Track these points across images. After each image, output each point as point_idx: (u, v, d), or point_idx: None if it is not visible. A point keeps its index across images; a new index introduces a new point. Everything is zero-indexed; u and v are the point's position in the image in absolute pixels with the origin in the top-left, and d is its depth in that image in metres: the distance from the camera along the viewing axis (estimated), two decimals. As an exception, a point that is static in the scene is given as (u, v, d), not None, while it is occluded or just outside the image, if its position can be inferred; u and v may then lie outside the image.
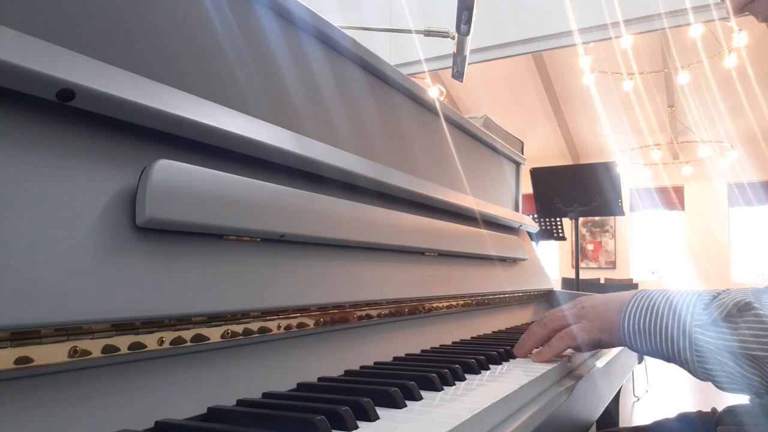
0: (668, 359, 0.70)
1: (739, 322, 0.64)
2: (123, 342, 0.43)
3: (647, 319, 0.71)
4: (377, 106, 0.92)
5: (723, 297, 0.67)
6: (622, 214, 3.57)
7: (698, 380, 0.70)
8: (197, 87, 0.57)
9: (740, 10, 0.76)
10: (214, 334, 0.51)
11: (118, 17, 0.50)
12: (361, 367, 0.67)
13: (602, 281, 7.98)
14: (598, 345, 0.77)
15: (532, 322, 0.91)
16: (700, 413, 0.86)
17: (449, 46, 1.51)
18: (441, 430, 0.42)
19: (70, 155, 0.43)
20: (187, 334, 0.48)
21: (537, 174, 3.66)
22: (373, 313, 0.75)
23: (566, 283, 6.20)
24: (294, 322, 0.61)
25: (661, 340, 0.69)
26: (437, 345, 0.87)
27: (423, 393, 0.54)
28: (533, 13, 4.09)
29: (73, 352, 0.39)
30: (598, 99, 7.91)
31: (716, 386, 0.67)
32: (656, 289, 0.75)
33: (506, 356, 0.78)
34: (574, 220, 3.64)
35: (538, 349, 0.78)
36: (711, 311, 0.66)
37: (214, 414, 0.46)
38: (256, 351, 0.56)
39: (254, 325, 0.55)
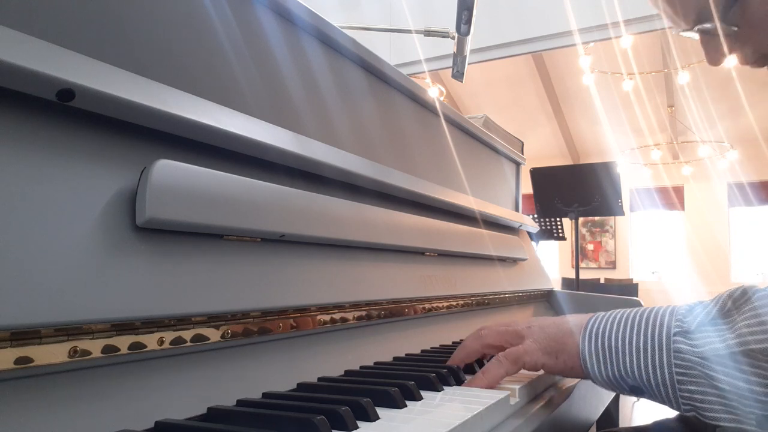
0: (637, 384, 0.58)
1: (735, 316, 0.53)
2: (123, 342, 0.43)
3: (613, 335, 0.59)
4: (377, 106, 0.92)
5: (710, 301, 0.57)
6: (622, 214, 3.57)
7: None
8: (197, 87, 0.57)
9: (718, 61, 0.72)
10: (214, 334, 0.51)
11: (118, 17, 0.50)
12: (361, 367, 0.67)
13: (602, 281, 7.99)
14: (541, 368, 0.65)
15: None
16: (699, 413, 0.86)
17: (449, 46, 1.51)
18: (441, 430, 0.42)
19: (70, 155, 0.43)
20: (187, 334, 0.48)
21: (537, 174, 3.66)
22: (373, 313, 0.75)
23: (566, 283, 6.20)
24: (294, 322, 0.61)
25: (631, 359, 0.57)
26: (437, 345, 0.87)
27: (423, 393, 0.54)
28: (533, 13, 4.09)
29: (73, 352, 0.39)
30: (598, 99, 7.90)
31: (698, 414, 0.54)
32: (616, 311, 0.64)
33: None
34: (574, 220, 3.64)
35: (468, 380, 0.63)
36: (701, 309, 0.56)
37: (214, 414, 0.46)
38: (256, 351, 0.56)
39: (254, 325, 0.55)
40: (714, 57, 0.69)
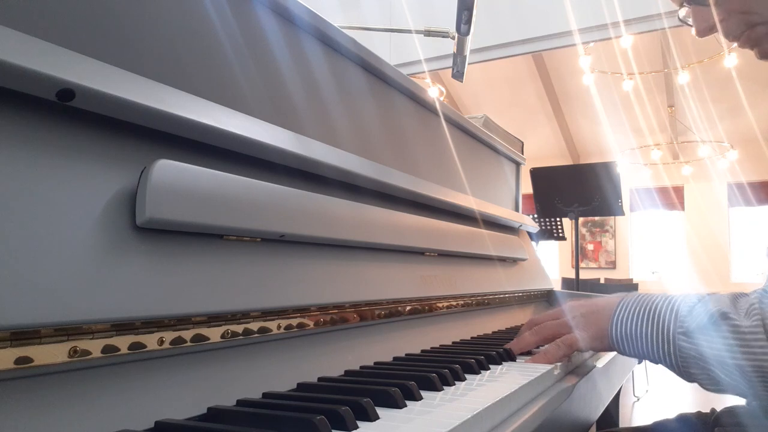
0: (656, 362, 0.72)
1: (714, 335, 0.65)
2: (123, 342, 0.43)
3: (634, 325, 0.72)
4: (377, 106, 0.92)
5: (706, 305, 0.68)
6: (622, 214, 3.57)
7: None
8: (197, 87, 0.57)
9: (707, 32, 0.74)
10: (214, 334, 0.51)
11: (118, 17, 0.50)
12: (361, 367, 0.67)
13: (602, 281, 7.98)
14: (591, 350, 0.82)
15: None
16: (699, 414, 0.86)
17: (449, 46, 1.51)
18: (441, 430, 0.42)
19: (70, 155, 0.43)
20: (187, 334, 0.48)
21: (537, 174, 3.65)
22: (373, 313, 0.75)
23: (566, 283, 6.20)
24: (294, 322, 0.61)
25: (646, 345, 0.71)
26: (437, 345, 0.87)
27: (423, 393, 0.54)
28: (533, 13, 4.09)
29: (73, 352, 0.39)
30: (598, 99, 7.90)
31: (703, 388, 0.70)
32: (642, 293, 0.76)
33: (506, 356, 0.78)
34: (574, 220, 3.64)
35: (531, 357, 0.78)
36: (695, 317, 0.68)
37: (214, 414, 0.46)
38: (256, 351, 0.56)
39: (254, 325, 0.55)
40: (700, 28, 0.73)
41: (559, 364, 0.74)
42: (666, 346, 0.69)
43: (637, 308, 0.73)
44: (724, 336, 0.65)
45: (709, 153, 8.48)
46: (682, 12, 0.77)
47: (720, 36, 0.72)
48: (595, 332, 0.76)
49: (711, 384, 0.68)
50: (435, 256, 0.98)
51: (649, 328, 0.71)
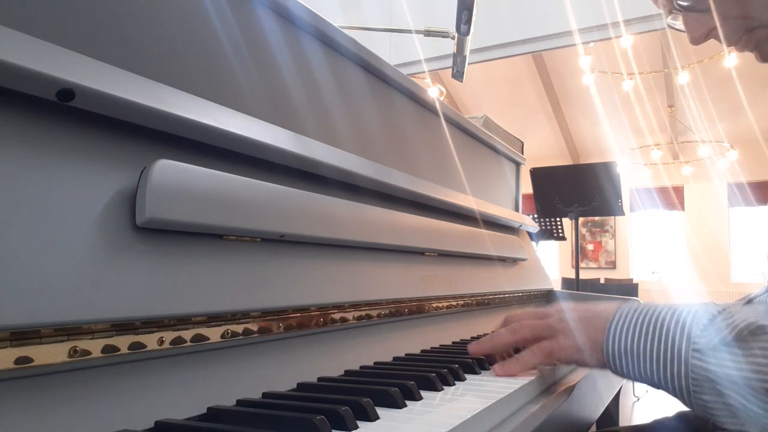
0: (657, 386, 0.60)
1: (754, 347, 0.54)
2: (123, 342, 0.43)
3: (634, 339, 0.61)
4: (377, 106, 0.92)
5: (730, 317, 0.57)
6: (622, 214, 3.57)
7: None
8: (197, 87, 0.57)
9: (703, 39, 0.70)
10: (214, 334, 0.51)
11: (118, 17, 0.50)
12: (361, 367, 0.67)
13: (602, 281, 7.98)
14: (574, 364, 0.69)
15: None
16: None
17: (449, 46, 1.51)
18: (441, 430, 0.42)
19: (70, 155, 0.43)
20: (187, 334, 0.48)
21: (537, 174, 3.66)
22: (373, 313, 0.75)
23: (566, 283, 6.20)
24: (294, 322, 0.61)
25: (650, 364, 0.59)
26: (437, 345, 0.87)
27: (423, 393, 0.54)
28: (533, 13, 4.09)
29: (73, 352, 0.39)
30: (598, 99, 7.90)
31: (713, 420, 0.57)
32: (646, 303, 0.65)
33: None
34: (574, 220, 3.64)
35: (501, 363, 0.68)
36: (716, 331, 0.56)
37: (214, 414, 0.46)
38: (256, 351, 0.56)
39: (254, 325, 0.55)
40: (695, 35, 0.70)
41: (555, 365, 0.71)
42: (673, 367, 0.57)
43: (639, 318, 0.61)
44: (764, 348, 0.53)
45: (709, 153, 8.48)
46: (670, 18, 0.74)
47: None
48: (586, 342, 0.65)
49: (728, 416, 0.55)
50: (435, 256, 0.98)
51: (654, 344, 0.59)
